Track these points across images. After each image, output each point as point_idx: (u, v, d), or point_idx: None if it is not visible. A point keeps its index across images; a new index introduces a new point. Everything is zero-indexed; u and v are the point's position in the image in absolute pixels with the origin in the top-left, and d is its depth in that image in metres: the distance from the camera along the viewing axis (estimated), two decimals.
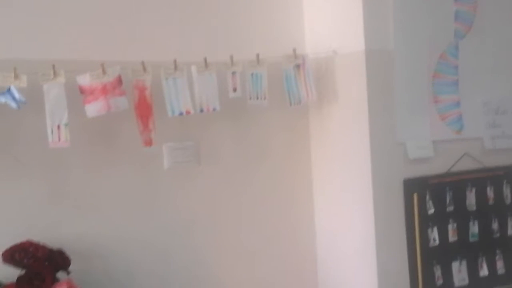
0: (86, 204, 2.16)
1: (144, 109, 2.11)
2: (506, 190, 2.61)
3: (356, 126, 2.36)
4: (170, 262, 2.29)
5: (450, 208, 2.48)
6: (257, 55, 2.27)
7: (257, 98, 2.28)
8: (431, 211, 2.43)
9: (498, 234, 2.59)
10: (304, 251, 2.56)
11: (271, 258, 2.48)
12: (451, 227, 2.48)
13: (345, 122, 2.40)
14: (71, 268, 2.02)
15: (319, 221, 2.57)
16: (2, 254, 1.93)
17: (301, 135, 2.52)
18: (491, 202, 2.58)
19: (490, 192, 2.58)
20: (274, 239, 2.49)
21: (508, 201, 2.61)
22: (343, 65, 2.37)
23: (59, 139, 1.97)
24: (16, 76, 1.90)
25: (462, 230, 2.51)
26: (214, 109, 2.21)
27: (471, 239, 2.53)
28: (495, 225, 2.58)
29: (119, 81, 2.04)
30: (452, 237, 2.48)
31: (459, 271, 2.49)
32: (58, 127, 1.97)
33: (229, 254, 2.40)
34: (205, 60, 2.19)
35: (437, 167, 2.46)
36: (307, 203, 2.56)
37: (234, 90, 2.24)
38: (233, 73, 2.24)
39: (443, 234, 2.46)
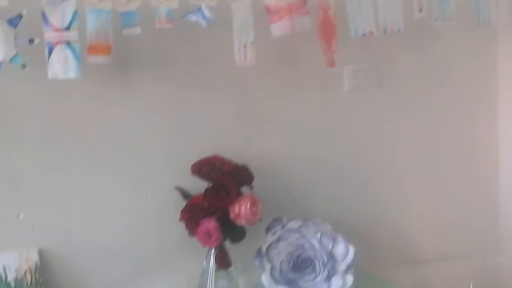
0: (268, 124, 2.21)
1: (328, 29, 2.08)
2: None
3: None
4: (348, 184, 2.30)
5: None
6: None
7: (444, 19, 2.17)
8: None
9: None
10: (485, 188, 2.47)
11: (449, 186, 2.42)
12: None
13: None
14: (253, 184, 2.08)
15: (503, 159, 2.45)
16: (191, 167, 2.02)
17: (488, 61, 2.38)
18: None
19: None
20: (453, 170, 2.42)
21: None
22: None
23: (245, 58, 2.01)
24: None
25: None
26: (398, 31, 2.13)
27: None
28: None
29: (303, 0, 2.03)
30: None
31: None
32: (245, 46, 2.00)
33: (407, 182, 2.37)
34: None
35: None
36: (491, 135, 2.45)
37: (420, 10, 2.15)
38: None
39: None
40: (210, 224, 1.96)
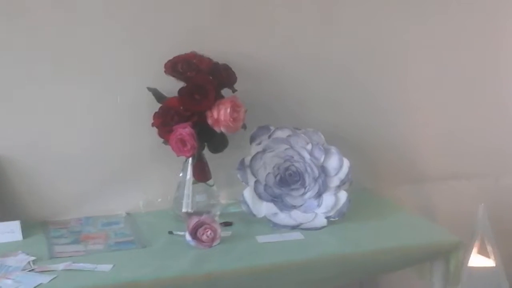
0: (260, 20, 1.98)
1: None
2: None
3: None
4: (349, 91, 2.10)
5: None
6: None
7: None
8: None
9: None
10: (502, 109, 2.28)
11: (464, 104, 2.22)
12: None
13: None
14: (238, 87, 1.86)
15: None
16: (165, 65, 1.81)
17: None
18: None
19: None
20: (469, 87, 2.22)
21: None
22: None
23: None
24: None
25: None
26: None
27: None
28: None
29: None
30: None
31: None
32: None
33: (417, 94, 2.17)
34: None
35: None
36: None
37: None
38: None
39: None
40: (184, 130, 1.75)
